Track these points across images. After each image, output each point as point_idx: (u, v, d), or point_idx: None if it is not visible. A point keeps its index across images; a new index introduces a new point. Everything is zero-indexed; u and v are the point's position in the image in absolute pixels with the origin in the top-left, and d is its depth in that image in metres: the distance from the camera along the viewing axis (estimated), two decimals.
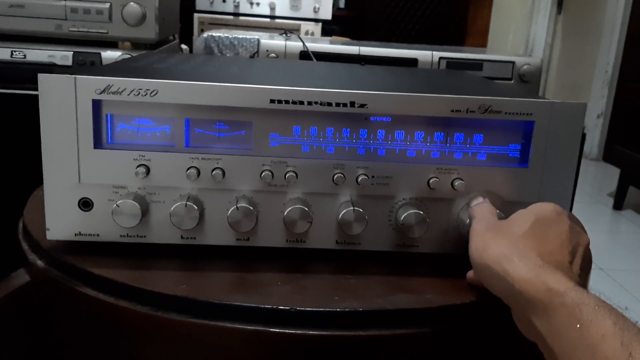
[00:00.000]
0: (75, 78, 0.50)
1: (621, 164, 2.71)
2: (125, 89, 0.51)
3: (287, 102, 0.52)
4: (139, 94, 0.51)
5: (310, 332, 0.46)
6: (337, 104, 0.52)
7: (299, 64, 0.86)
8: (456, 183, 0.54)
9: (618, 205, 2.75)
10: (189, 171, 0.52)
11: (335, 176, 0.54)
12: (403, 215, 0.54)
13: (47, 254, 0.54)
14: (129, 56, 1.09)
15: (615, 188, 2.77)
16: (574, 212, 0.61)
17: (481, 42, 3.98)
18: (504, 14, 4.28)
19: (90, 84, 0.51)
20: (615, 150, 2.74)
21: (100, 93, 0.51)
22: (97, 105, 0.51)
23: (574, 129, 0.54)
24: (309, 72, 0.74)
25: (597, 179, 3.36)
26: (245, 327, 0.46)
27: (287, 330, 0.46)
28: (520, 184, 0.55)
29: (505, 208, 0.53)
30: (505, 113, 0.53)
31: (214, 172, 0.53)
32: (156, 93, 0.51)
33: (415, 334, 0.47)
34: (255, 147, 0.54)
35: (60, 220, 0.53)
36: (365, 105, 0.52)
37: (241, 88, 0.51)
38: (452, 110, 0.53)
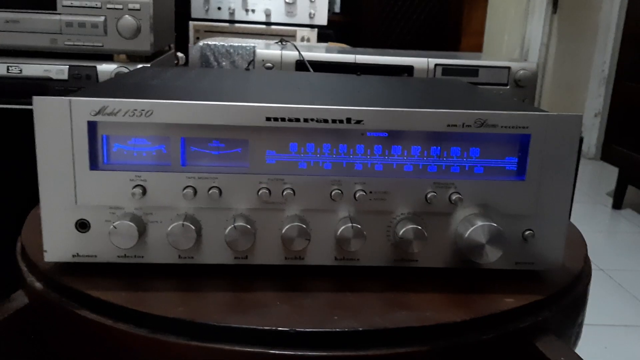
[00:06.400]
0: (70, 100, 0.50)
1: (619, 163, 2.71)
2: (120, 110, 0.51)
3: (283, 119, 0.52)
4: (134, 114, 0.51)
5: (310, 353, 0.46)
6: (334, 121, 0.52)
7: (295, 76, 0.86)
8: (453, 197, 0.54)
9: (617, 204, 2.75)
10: (185, 191, 0.52)
11: (333, 192, 0.53)
12: (401, 231, 0.53)
13: (45, 275, 0.54)
14: (125, 69, 1.09)
15: (613, 187, 2.77)
16: (573, 212, 0.61)
17: (477, 43, 3.98)
18: (499, 15, 4.29)
19: (85, 106, 0.50)
20: (614, 149, 2.74)
21: (96, 114, 0.51)
22: (92, 126, 0.51)
23: (570, 140, 0.54)
24: (305, 85, 0.73)
25: (595, 179, 3.36)
26: (244, 349, 0.46)
27: (287, 352, 0.46)
28: (517, 197, 0.55)
29: (503, 221, 0.53)
30: (501, 126, 0.53)
31: (211, 191, 0.52)
32: (151, 113, 0.51)
33: (415, 352, 0.47)
34: (251, 164, 0.53)
35: (58, 242, 0.53)
36: (361, 121, 0.52)
37: (237, 107, 0.51)
38: (448, 125, 0.53)
